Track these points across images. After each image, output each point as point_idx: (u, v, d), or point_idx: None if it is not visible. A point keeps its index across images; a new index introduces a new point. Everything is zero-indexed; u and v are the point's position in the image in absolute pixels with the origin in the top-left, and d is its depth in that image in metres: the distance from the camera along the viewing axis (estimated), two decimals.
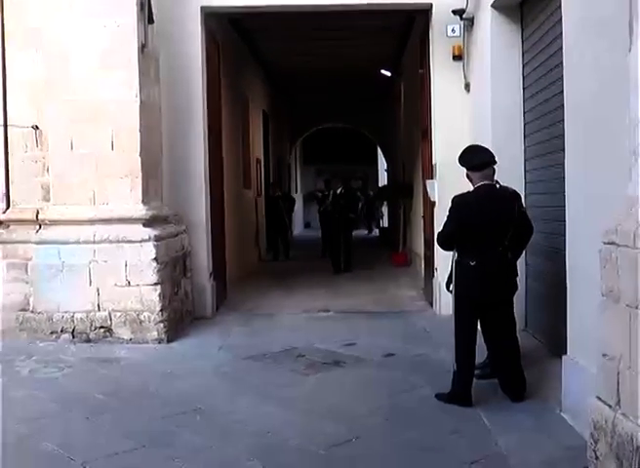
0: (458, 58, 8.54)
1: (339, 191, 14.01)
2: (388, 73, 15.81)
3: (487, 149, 5.53)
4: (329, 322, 8.62)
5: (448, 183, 8.59)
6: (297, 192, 26.76)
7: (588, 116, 4.59)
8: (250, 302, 9.85)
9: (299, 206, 26.32)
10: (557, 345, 6.10)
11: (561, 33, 5.80)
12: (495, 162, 5.41)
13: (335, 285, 11.42)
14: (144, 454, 4.44)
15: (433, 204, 9.01)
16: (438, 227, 8.81)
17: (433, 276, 9.10)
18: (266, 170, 17.11)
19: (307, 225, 28.87)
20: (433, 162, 8.98)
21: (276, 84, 18.51)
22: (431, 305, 9.24)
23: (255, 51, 14.60)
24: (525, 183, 7.18)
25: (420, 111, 10.18)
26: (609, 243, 3.94)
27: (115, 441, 4.65)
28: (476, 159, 5.40)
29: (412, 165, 14.16)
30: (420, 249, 12.69)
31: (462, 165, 5.47)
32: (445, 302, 8.69)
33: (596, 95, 4.39)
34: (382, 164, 25.31)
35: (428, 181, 9.15)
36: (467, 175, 5.45)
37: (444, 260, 8.66)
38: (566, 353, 5.07)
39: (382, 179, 25.65)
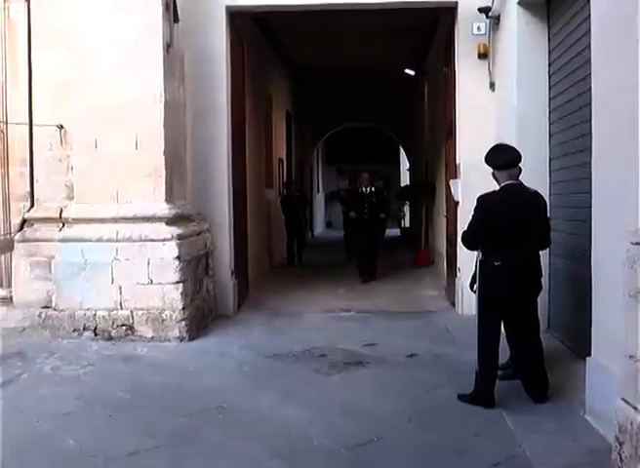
0: (483, 56, 8.47)
1: (368, 190, 12.50)
2: (412, 72, 15.76)
3: (513, 148, 5.47)
4: (350, 322, 8.59)
5: (472, 183, 8.55)
6: (318, 192, 26.75)
7: (616, 115, 4.52)
8: (271, 301, 9.84)
9: (320, 205, 26.31)
10: (580, 347, 6.04)
11: (588, 31, 5.75)
12: (520, 161, 5.36)
13: (356, 284, 11.38)
14: (166, 453, 4.44)
15: (457, 203, 8.95)
16: (461, 227, 8.79)
17: (456, 276, 9.05)
18: (289, 169, 17.10)
19: (329, 225, 28.87)
20: (457, 162, 8.92)
21: (299, 83, 18.52)
22: (453, 305, 9.19)
23: (278, 49, 14.61)
24: (550, 183, 7.11)
25: (444, 111, 10.11)
26: (636, 243, 3.90)
27: (137, 439, 4.66)
28: (502, 158, 5.35)
29: (435, 164, 14.10)
30: (443, 248, 12.63)
31: (488, 164, 5.42)
32: (467, 302, 8.65)
33: (624, 93, 4.32)
34: (405, 164, 25.22)
35: (452, 181, 9.09)
36: (493, 175, 5.40)
37: (467, 260, 8.62)
38: (590, 355, 5.02)
39: (405, 179, 25.56)
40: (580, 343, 6.07)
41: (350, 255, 14.85)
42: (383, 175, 28.10)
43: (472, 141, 8.58)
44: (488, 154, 5.49)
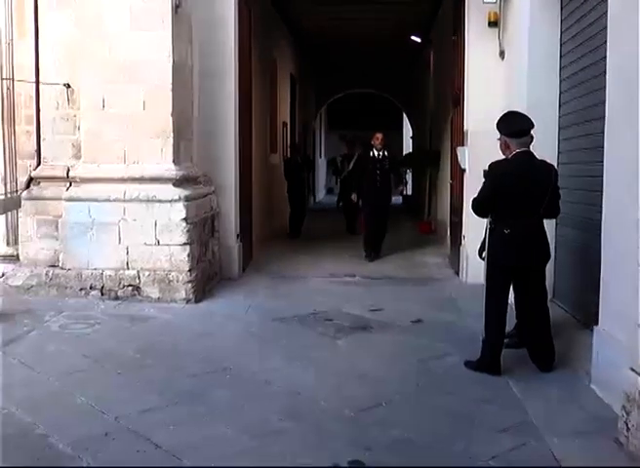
0: (493, 24, 8.38)
1: (380, 153, 10.83)
2: (419, 39, 15.63)
3: (526, 116, 5.44)
4: (355, 287, 8.63)
5: (479, 151, 8.51)
6: (320, 157, 26.66)
7: (632, 82, 4.48)
8: (275, 265, 9.87)
9: (321, 171, 26.22)
10: (585, 316, 6.08)
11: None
12: (532, 129, 5.33)
13: (360, 250, 11.38)
14: (176, 412, 4.48)
15: (463, 171, 8.93)
16: (467, 195, 8.80)
17: (460, 244, 9.06)
18: (292, 134, 17.02)
19: (330, 191, 28.80)
20: (465, 129, 8.88)
21: (304, 47, 18.37)
22: (457, 273, 9.21)
23: (284, 13, 14.48)
24: (558, 152, 7.08)
25: (452, 78, 10.04)
26: None
27: (147, 397, 4.70)
28: (515, 126, 5.31)
29: (440, 132, 14.05)
30: (446, 216, 12.64)
31: (500, 131, 5.39)
32: (472, 270, 8.68)
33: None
34: (408, 131, 25.10)
35: (459, 148, 9.06)
36: (505, 142, 5.36)
37: (472, 228, 8.65)
38: (596, 324, 5.05)
39: (407, 147, 25.46)
40: (584, 313, 6.10)
41: (352, 229, 13.85)
42: (386, 142, 27.92)
43: (480, 109, 8.52)
44: (500, 121, 5.45)
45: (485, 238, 5.46)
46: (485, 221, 5.61)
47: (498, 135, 8.16)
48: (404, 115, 25.58)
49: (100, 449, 3.88)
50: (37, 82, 7.58)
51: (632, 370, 4.01)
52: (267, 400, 4.72)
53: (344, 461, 3.82)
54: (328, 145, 29.22)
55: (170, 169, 7.33)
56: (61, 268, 7.38)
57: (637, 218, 3.97)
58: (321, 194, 26.62)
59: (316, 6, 13.55)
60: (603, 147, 5.51)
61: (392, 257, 10.88)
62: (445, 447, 4.07)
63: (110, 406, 4.50)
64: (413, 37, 15.57)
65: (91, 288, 7.29)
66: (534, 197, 5.23)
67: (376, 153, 10.81)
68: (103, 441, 4.00)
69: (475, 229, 8.48)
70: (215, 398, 4.73)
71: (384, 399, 4.77)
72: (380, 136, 10.89)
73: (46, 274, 7.40)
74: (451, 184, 10.30)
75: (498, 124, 5.47)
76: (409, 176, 22.48)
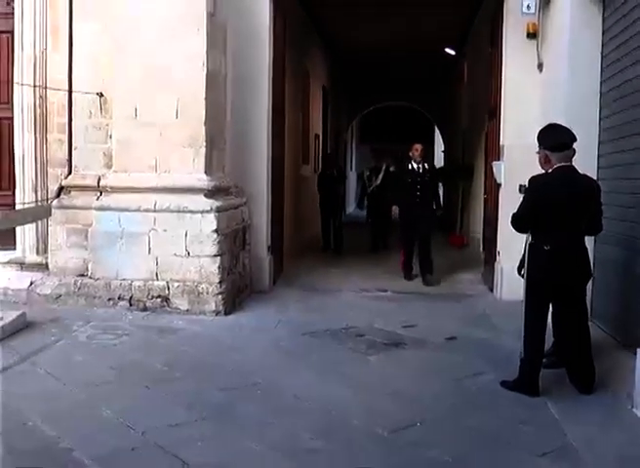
0: (532, 35, 8.20)
1: (420, 166, 10.02)
2: (452, 52, 15.49)
3: (568, 129, 5.27)
4: (387, 302, 8.47)
5: (515, 165, 8.38)
6: (351, 170, 26.57)
7: None
8: (306, 278, 9.74)
9: (352, 184, 26.10)
10: (625, 337, 5.88)
11: None
12: (574, 142, 5.17)
13: (392, 265, 11.22)
14: (205, 427, 4.37)
15: (498, 186, 8.76)
16: (503, 210, 8.63)
17: (495, 260, 8.87)
18: (324, 146, 16.95)
19: (359, 205, 28.67)
20: (501, 143, 8.71)
21: (337, 59, 18.30)
22: (491, 290, 9.01)
23: (317, 24, 14.41)
24: (598, 168, 6.89)
25: (487, 91, 9.88)
26: None
27: (175, 411, 4.60)
28: (557, 139, 5.15)
29: (473, 146, 13.91)
30: (478, 231, 12.46)
31: (541, 144, 5.23)
32: (507, 286, 8.51)
33: None
34: (439, 145, 24.93)
35: (495, 163, 8.89)
36: (545, 156, 5.19)
37: (507, 244, 8.49)
38: (639, 346, 4.86)
39: (439, 161, 25.27)
40: (625, 334, 5.91)
41: (377, 248, 13.25)
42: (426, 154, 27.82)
43: (517, 123, 8.40)
44: (541, 133, 5.29)
45: (524, 254, 5.29)
46: (524, 237, 5.46)
47: (534, 149, 8.03)
48: (435, 128, 25.41)
49: (126, 465, 3.79)
50: (70, 90, 7.55)
51: None
52: (298, 417, 4.58)
53: None
54: (359, 158, 29.14)
55: (202, 179, 7.26)
56: (90, 278, 7.33)
57: None
58: (351, 207, 26.49)
59: (350, 16, 13.46)
60: None
61: None
62: None
63: (137, 419, 4.40)
64: (447, 50, 15.43)
65: (119, 298, 7.23)
66: (575, 213, 5.06)
67: (415, 166, 10.05)
68: (130, 456, 3.91)
69: (510, 245, 8.32)
70: (244, 413, 4.61)
71: (419, 418, 4.61)
72: (419, 146, 10.18)
73: (74, 283, 7.35)
74: (485, 199, 10.12)
75: (538, 136, 5.31)
76: (440, 190, 22.38)
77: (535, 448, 4.19)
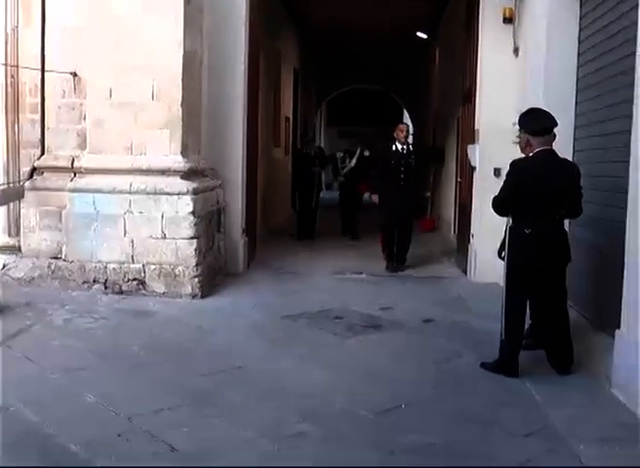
0: (508, 20, 8.24)
1: (404, 148, 9.48)
2: (424, 36, 15.46)
3: (549, 114, 5.29)
4: (362, 285, 8.50)
5: (490, 149, 8.44)
6: None
7: None
8: (280, 261, 9.72)
9: None
10: (601, 319, 5.96)
11: None
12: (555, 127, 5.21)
13: (364, 247, 11.24)
14: (189, 412, 4.32)
15: (473, 169, 8.81)
16: (477, 193, 8.69)
17: (469, 242, 8.93)
18: (294, 128, 16.87)
19: (328, 187, 28.67)
20: (476, 127, 8.74)
21: (308, 42, 18.20)
22: (465, 272, 9.08)
23: (289, 6, 14.30)
24: (573, 152, 6.96)
25: (462, 75, 9.90)
26: None
27: (158, 396, 4.54)
28: (538, 123, 5.18)
29: (444, 130, 13.94)
30: (449, 214, 12.54)
31: (524, 128, 5.25)
32: (480, 269, 8.59)
33: None
34: (409, 128, 24.94)
35: (469, 146, 8.93)
36: (527, 140, 5.21)
37: (480, 227, 8.55)
38: (614, 328, 4.94)
39: None
40: (600, 316, 5.99)
41: (353, 235, 12.57)
42: (386, 139, 27.89)
43: (493, 107, 8.46)
44: (523, 118, 5.33)
45: (505, 237, 5.32)
46: (499, 220, 5.50)
47: (509, 133, 8.10)
48: (404, 111, 25.43)
49: (113, 451, 3.72)
50: (43, 70, 7.38)
51: None
52: (282, 401, 4.57)
53: (369, 465, 3.69)
54: (327, 141, 29.09)
55: (178, 161, 7.18)
56: (64, 260, 7.22)
57: None
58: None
59: None
60: (622, 147, 5.42)
61: None
62: (470, 451, 3.93)
63: (121, 405, 4.34)
64: (419, 33, 15.40)
65: (94, 281, 7.14)
66: (556, 196, 5.10)
67: (399, 147, 9.46)
68: (117, 442, 3.85)
69: (484, 228, 8.42)
70: (228, 398, 4.58)
71: (402, 400, 4.62)
72: (404, 127, 9.72)
73: (48, 266, 7.25)
74: (459, 182, 10.16)
75: (520, 120, 5.35)
76: None
77: (519, 429, 4.23)
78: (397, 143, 9.47)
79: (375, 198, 9.73)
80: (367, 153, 12.85)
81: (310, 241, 12.13)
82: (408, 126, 9.73)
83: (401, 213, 9.39)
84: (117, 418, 4.16)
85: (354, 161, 12.99)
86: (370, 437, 4.06)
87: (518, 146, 5.43)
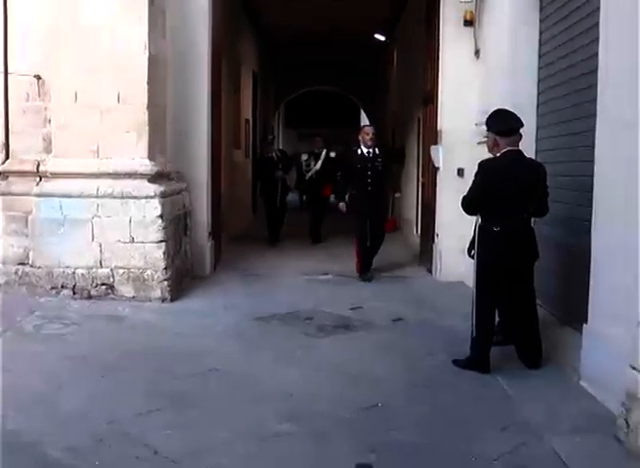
0: (469, 23, 8.39)
1: (372, 151, 9.02)
2: (383, 38, 15.58)
3: (515, 114, 5.41)
4: (329, 285, 8.56)
5: (453, 149, 8.58)
6: None
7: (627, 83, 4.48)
8: (246, 263, 9.72)
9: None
10: (568, 315, 6.10)
11: (587, 1, 5.74)
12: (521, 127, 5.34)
13: (330, 248, 11.29)
14: (169, 415, 4.33)
15: (436, 169, 8.93)
16: (441, 193, 8.82)
17: (433, 242, 9.04)
18: (254, 131, 16.87)
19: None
20: (438, 128, 8.86)
21: (266, 44, 18.20)
22: (430, 272, 9.19)
23: (248, 9, 14.31)
24: (536, 151, 7.10)
25: (423, 76, 10.01)
26: None
27: (137, 400, 4.54)
28: (505, 124, 5.30)
29: (404, 130, 14.06)
30: (412, 215, 12.66)
31: (491, 129, 5.37)
32: (445, 268, 8.72)
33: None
34: None
35: (433, 147, 9.04)
36: (494, 140, 5.33)
37: (445, 226, 8.68)
38: (580, 323, 5.07)
39: None
40: (566, 311, 6.14)
41: (316, 238, 12.13)
42: (344, 140, 28.02)
43: (455, 108, 8.60)
44: (490, 119, 5.44)
45: (474, 236, 5.42)
46: (464, 219, 5.64)
47: (472, 133, 8.24)
48: (362, 113, 25.58)
49: (96, 457, 3.72)
50: (6, 72, 7.30)
51: (633, 367, 4.01)
52: (261, 402, 4.60)
53: (351, 464, 3.74)
54: (286, 143, 29.12)
55: (145, 164, 7.15)
56: (32, 266, 7.13)
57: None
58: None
59: (278, 1, 13.45)
60: (584, 146, 5.57)
61: None
62: (449, 447, 4.02)
63: (99, 410, 4.34)
64: (376, 35, 15.52)
65: (62, 286, 7.06)
66: (523, 195, 5.22)
67: (365, 151, 9.09)
68: (99, 447, 3.85)
69: (448, 227, 8.55)
70: (206, 400, 4.60)
71: (378, 399, 4.69)
72: (369, 130, 9.27)
73: (15, 272, 7.15)
74: (422, 182, 10.28)
75: (487, 121, 5.46)
76: None
77: (494, 424, 4.33)
78: (362, 147, 9.12)
79: (342, 206, 9.33)
80: (333, 154, 12.58)
81: (276, 244, 11.83)
82: (373, 128, 9.37)
83: (372, 218, 9.07)
84: (97, 423, 4.15)
85: (320, 163, 12.63)
86: (350, 436, 4.12)
87: (486, 146, 5.53)
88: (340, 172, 10.06)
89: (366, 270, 9.03)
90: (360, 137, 9.24)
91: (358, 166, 9.00)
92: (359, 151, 9.15)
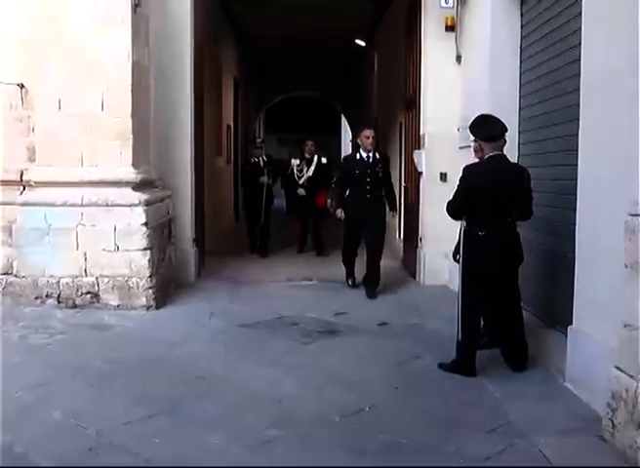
0: (450, 28, 8.46)
1: (371, 156, 8.38)
2: (363, 43, 15.65)
3: (498, 120, 5.47)
4: (314, 291, 8.57)
5: (436, 154, 8.64)
6: None
7: (611, 88, 4.56)
8: (229, 270, 9.72)
9: None
10: (551, 317, 6.18)
11: (568, 6, 5.82)
12: (505, 133, 5.40)
13: (311, 254, 11.32)
14: (158, 424, 4.32)
15: (419, 174, 8.98)
16: (424, 198, 8.87)
17: (417, 246, 9.09)
18: (236, 137, 16.88)
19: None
20: (421, 133, 8.93)
21: (247, 50, 18.21)
22: (413, 276, 9.24)
23: (228, 15, 14.33)
24: (518, 156, 7.17)
25: (404, 82, 10.08)
26: (635, 214, 3.97)
27: (125, 409, 4.53)
28: (486, 130, 5.36)
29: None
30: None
31: (474, 135, 5.43)
32: (429, 273, 8.77)
33: (625, 67, 4.34)
34: (347, 135, 25.17)
35: (416, 152, 9.11)
36: (478, 146, 5.40)
37: (429, 231, 8.74)
38: (561, 325, 5.14)
39: (346, 150, 25.54)
40: (550, 314, 6.21)
41: (320, 250, 11.46)
42: (324, 146, 28.09)
43: (437, 113, 8.67)
44: (474, 125, 5.49)
45: (459, 240, 5.47)
46: (448, 224, 5.72)
47: (454, 138, 8.31)
48: (342, 118, 25.63)
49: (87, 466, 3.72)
50: None
51: (617, 368, 4.06)
52: (249, 409, 4.60)
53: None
54: (266, 149, 29.10)
55: (129, 172, 7.14)
56: (16, 276, 7.09)
57: (625, 220, 4.02)
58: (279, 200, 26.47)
59: (260, 7, 13.47)
60: (567, 150, 5.64)
61: None
62: (436, 450, 4.04)
63: (89, 419, 4.31)
64: (357, 41, 15.57)
65: (47, 296, 7.03)
66: (508, 199, 5.28)
67: (364, 155, 8.43)
68: (89, 457, 3.83)
69: (432, 232, 8.61)
70: (195, 408, 4.59)
71: (366, 403, 4.71)
72: (369, 133, 8.39)
73: None
74: (405, 187, 10.33)
75: (470, 127, 5.52)
76: None
77: (481, 426, 4.37)
78: (362, 151, 8.43)
79: (339, 213, 8.54)
80: (324, 160, 11.84)
81: (265, 256, 11.21)
82: (373, 131, 8.53)
83: (368, 231, 8.37)
84: (86, 433, 4.14)
85: (312, 169, 11.71)
86: (340, 440, 4.14)
87: (471, 151, 5.61)
88: (334, 179, 9.66)
89: (352, 279, 8.74)
90: (359, 141, 8.59)
91: (356, 172, 8.32)
92: (357, 156, 8.50)
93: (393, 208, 8.87)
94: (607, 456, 3.96)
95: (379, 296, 8.24)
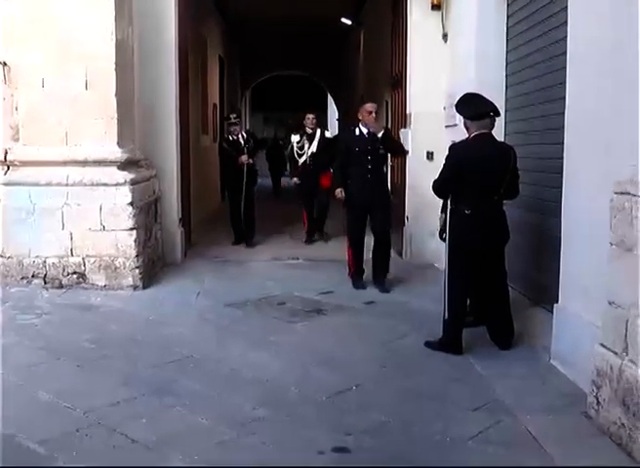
0: (436, 7, 8.41)
1: (328, 134, 8.09)
2: (349, 22, 15.55)
3: (484, 99, 5.46)
4: (300, 269, 8.58)
5: (422, 133, 8.62)
6: None
7: (600, 63, 4.55)
8: (216, 249, 9.70)
9: None
10: (536, 295, 6.21)
11: None
12: (495, 113, 5.38)
13: (298, 232, 11.29)
14: (145, 404, 4.33)
15: (406, 153, 8.96)
16: (410, 176, 8.87)
17: (404, 225, 9.10)
18: (222, 115, 16.77)
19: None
20: (407, 111, 8.90)
21: (232, 28, 18.06)
22: (400, 254, 9.24)
23: None
24: (505, 135, 7.17)
25: (390, 60, 10.03)
26: (621, 193, 3.97)
27: (113, 389, 4.53)
28: (473, 109, 5.36)
29: None
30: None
31: (460, 113, 5.43)
32: (415, 251, 8.80)
33: (611, 44, 4.34)
34: (333, 113, 25.09)
35: (402, 131, 9.09)
36: (465, 124, 5.40)
37: (415, 210, 8.75)
38: (549, 303, 5.17)
39: (333, 129, 25.47)
40: (536, 292, 6.24)
41: (322, 233, 10.87)
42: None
43: (423, 92, 8.64)
44: (460, 104, 5.49)
45: (445, 219, 5.48)
46: (434, 202, 5.70)
47: (440, 117, 8.28)
48: (329, 97, 25.54)
49: (74, 447, 3.70)
50: None
51: (602, 345, 4.09)
52: (237, 388, 4.62)
53: (328, 447, 3.78)
54: (253, 127, 29.00)
55: (114, 151, 7.09)
56: (1, 256, 7.03)
57: (610, 198, 4.03)
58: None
59: None
60: (553, 129, 5.64)
61: (332, 238, 10.78)
62: (423, 428, 4.06)
63: (76, 400, 4.30)
64: (343, 19, 15.48)
65: (33, 276, 6.99)
66: (493, 178, 5.29)
67: (364, 131, 7.64)
68: (76, 437, 3.83)
69: (418, 211, 8.62)
70: (183, 388, 4.59)
71: (353, 382, 4.74)
72: (372, 107, 7.74)
73: None
74: (391, 166, 10.31)
75: (456, 106, 5.51)
76: None
77: (467, 404, 4.40)
78: (361, 126, 7.66)
79: (339, 192, 7.78)
80: (328, 134, 10.99)
81: (252, 245, 10.23)
82: (376, 105, 7.89)
83: (373, 216, 7.63)
84: (74, 414, 4.14)
85: (315, 145, 10.71)
86: (326, 419, 4.15)
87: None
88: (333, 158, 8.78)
89: (360, 276, 7.70)
90: (360, 116, 7.76)
91: (356, 149, 7.58)
92: (357, 131, 7.68)
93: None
94: (591, 433, 4.00)
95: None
